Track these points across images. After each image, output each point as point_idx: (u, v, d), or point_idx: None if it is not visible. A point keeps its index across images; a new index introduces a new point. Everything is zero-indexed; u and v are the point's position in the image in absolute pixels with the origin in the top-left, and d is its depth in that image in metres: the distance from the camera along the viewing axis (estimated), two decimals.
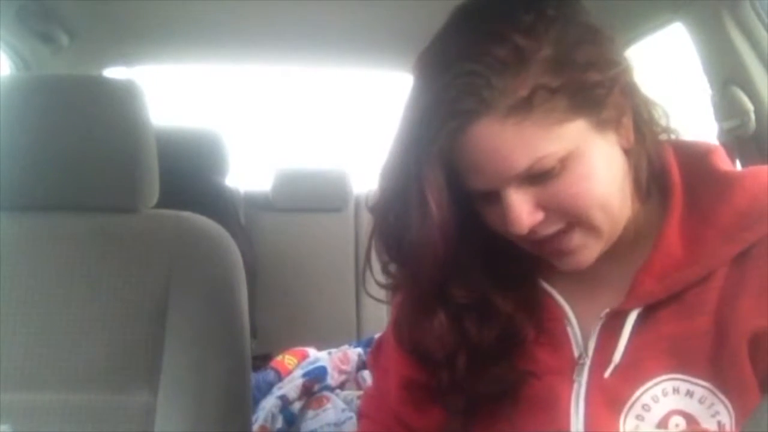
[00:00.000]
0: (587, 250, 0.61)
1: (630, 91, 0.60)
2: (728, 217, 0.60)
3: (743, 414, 0.56)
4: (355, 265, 2.28)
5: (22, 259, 0.94)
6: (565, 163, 0.56)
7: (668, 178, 0.64)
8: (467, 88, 0.54)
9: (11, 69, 1.48)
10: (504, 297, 0.65)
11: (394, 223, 0.62)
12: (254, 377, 1.61)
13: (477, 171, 0.58)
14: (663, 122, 0.65)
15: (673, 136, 0.67)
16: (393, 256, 0.66)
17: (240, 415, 0.93)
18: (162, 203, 1.02)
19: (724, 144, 1.13)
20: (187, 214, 1.01)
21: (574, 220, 0.59)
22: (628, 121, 0.60)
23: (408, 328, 0.69)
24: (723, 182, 0.62)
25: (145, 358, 0.91)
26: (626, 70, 0.59)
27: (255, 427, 1.49)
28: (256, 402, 1.57)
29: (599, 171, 0.58)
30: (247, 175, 2.45)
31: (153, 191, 1.00)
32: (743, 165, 1.11)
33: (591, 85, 0.56)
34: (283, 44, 1.75)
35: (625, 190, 0.61)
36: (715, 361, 0.58)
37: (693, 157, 0.65)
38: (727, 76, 1.10)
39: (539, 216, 0.58)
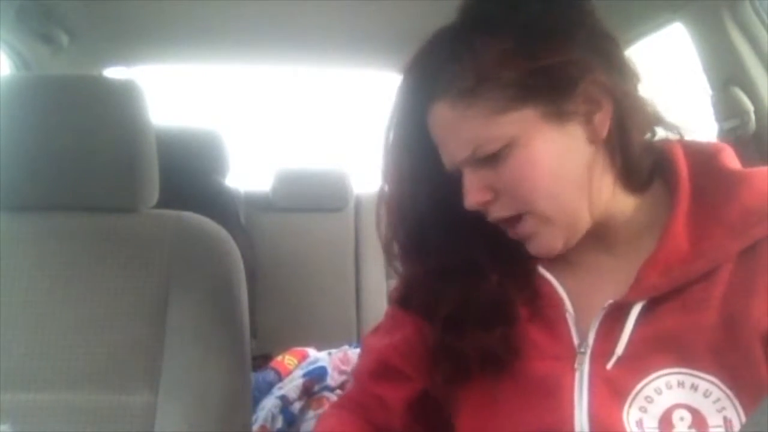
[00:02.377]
0: (543, 237, 0.64)
1: (613, 89, 0.62)
2: (736, 214, 0.60)
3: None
4: (355, 265, 2.28)
5: (22, 259, 0.94)
6: (510, 148, 0.60)
7: (675, 174, 0.65)
8: (426, 76, 0.64)
9: (11, 69, 1.48)
10: (498, 271, 0.68)
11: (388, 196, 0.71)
12: (254, 377, 1.61)
13: (440, 151, 0.66)
14: (655, 119, 0.66)
15: (674, 133, 0.68)
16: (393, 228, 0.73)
17: (240, 415, 0.93)
18: (162, 203, 1.02)
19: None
20: (187, 214, 1.01)
21: (522, 206, 0.62)
22: (603, 116, 0.62)
23: (403, 272, 0.74)
24: (732, 180, 0.63)
25: (145, 358, 0.91)
26: (596, 68, 0.61)
27: (255, 427, 1.49)
28: (256, 402, 1.57)
29: (545, 160, 0.61)
30: (247, 175, 2.45)
31: (153, 191, 1.00)
32: (743, 165, 1.11)
33: (544, 80, 0.59)
34: (282, 44, 1.75)
35: (598, 181, 0.63)
36: (721, 356, 0.58)
37: (702, 156, 0.66)
38: (727, 76, 1.11)
39: (488, 196, 0.63)
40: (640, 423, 0.59)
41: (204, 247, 0.97)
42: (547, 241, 0.64)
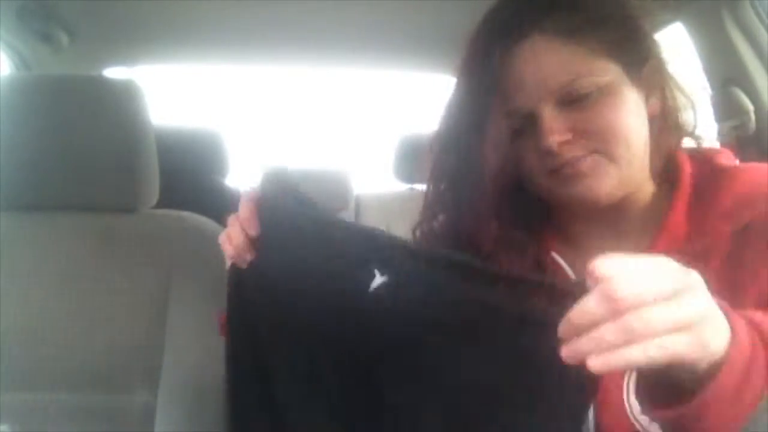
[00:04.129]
0: (602, 176, 0.65)
1: (665, 80, 0.69)
2: (729, 202, 0.65)
3: None
4: None
5: (22, 259, 0.94)
6: (603, 91, 0.64)
7: (679, 173, 0.70)
8: (521, 10, 0.65)
9: (11, 69, 1.48)
10: (518, 262, 0.70)
11: (453, 145, 0.70)
12: None
13: (521, 87, 0.65)
14: (688, 125, 0.71)
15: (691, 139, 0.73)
16: (444, 185, 0.73)
17: None
18: (162, 203, 1.02)
19: (723, 144, 1.13)
20: (187, 214, 1.01)
21: (599, 146, 0.64)
22: (656, 102, 0.68)
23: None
24: (726, 175, 0.67)
25: (145, 358, 0.91)
26: (659, 54, 0.69)
27: None
28: None
29: (630, 112, 0.65)
30: (247, 175, 2.45)
31: (153, 191, 1.00)
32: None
33: (631, 42, 0.66)
34: (282, 44, 1.75)
35: (646, 151, 0.67)
36: None
37: (702, 159, 0.71)
38: (727, 76, 1.11)
39: (568, 135, 0.64)
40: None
41: (204, 247, 0.97)
42: (603, 179, 0.65)
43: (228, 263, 0.67)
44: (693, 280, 0.45)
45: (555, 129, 0.64)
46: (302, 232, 0.60)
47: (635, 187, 0.68)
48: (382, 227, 0.63)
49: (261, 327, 0.64)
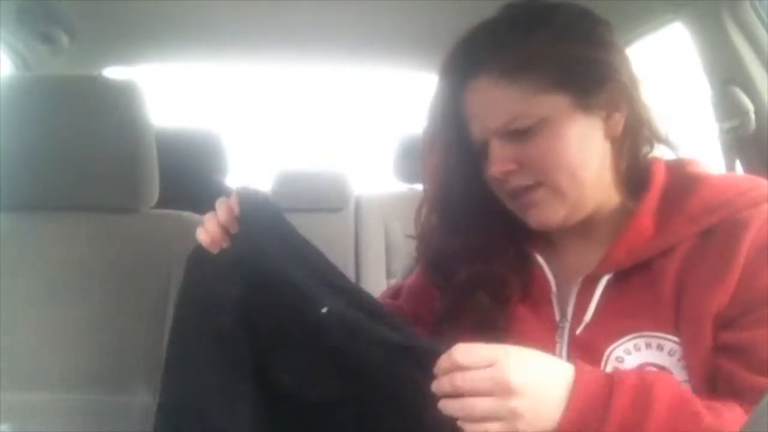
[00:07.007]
0: (549, 209, 0.70)
1: (630, 96, 0.70)
2: (696, 206, 0.68)
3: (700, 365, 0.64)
4: (355, 265, 2.27)
5: (23, 259, 0.95)
6: (541, 126, 0.67)
7: (652, 180, 0.72)
8: (472, 52, 0.70)
9: (11, 69, 1.48)
10: (504, 256, 0.76)
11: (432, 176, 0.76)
12: None
13: (473, 122, 0.71)
14: (659, 133, 0.73)
15: (674, 152, 0.75)
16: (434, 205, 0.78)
17: None
18: (162, 203, 1.02)
19: (724, 144, 1.13)
20: (187, 214, 1.01)
21: (541, 178, 0.69)
22: (620, 117, 0.70)
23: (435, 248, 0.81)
24: (695, 181, 0.71)
25: (145, 358, 0.91)
26: (623, 74, 0.69)
27: None
28: None
29: (571, 142, 0.68)
30: (247, 175, 2.44)
31: (153, 191, 1.00)
32: (743, 165, 1.11)
33: (579, 72, 0.68)
34: (281, 42, 1.75)
35: (603, 173, 0.71)
36: (677, 320, 0.66)
37: (676, 166, 0.74)
38: (727, 76, 1.11)
39: (512, 166, 0.69)
40: None
41: None
42: (550, 212, 0.70)
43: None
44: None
45: (500, 159, 0.69)
46: (281, 241, 0.75)
47: (593, 207, 0.71)
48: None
49: (212, 309, 0.71)
